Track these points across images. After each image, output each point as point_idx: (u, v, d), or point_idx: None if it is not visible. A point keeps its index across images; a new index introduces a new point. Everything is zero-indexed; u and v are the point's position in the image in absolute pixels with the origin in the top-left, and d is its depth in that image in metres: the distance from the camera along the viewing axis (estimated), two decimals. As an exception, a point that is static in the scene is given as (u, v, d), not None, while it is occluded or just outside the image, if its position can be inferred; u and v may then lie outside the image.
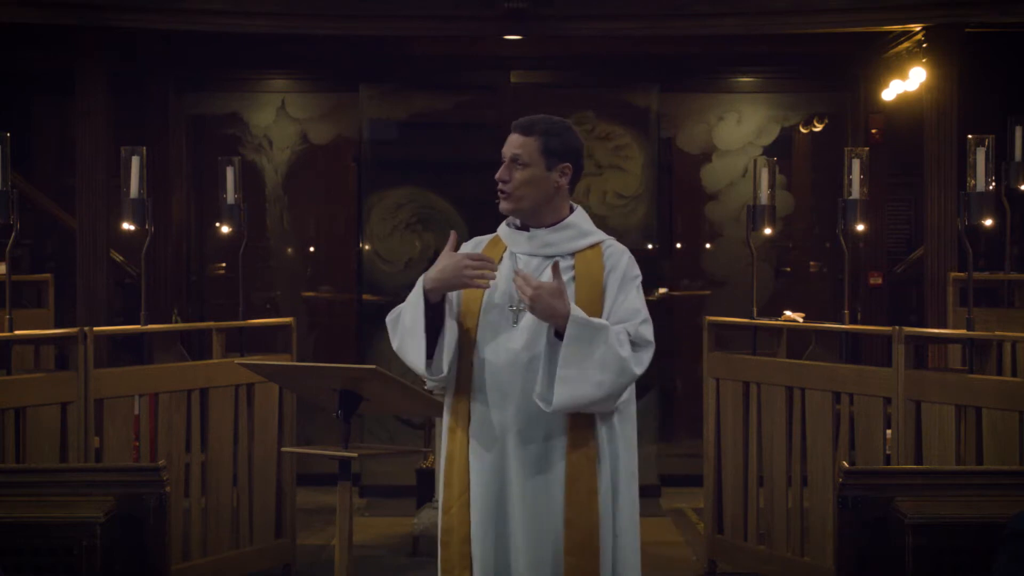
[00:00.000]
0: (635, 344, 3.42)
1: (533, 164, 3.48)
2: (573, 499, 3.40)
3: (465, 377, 3.48)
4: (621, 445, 3.52)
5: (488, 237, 3.64)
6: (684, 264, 9.51)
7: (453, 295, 3.51)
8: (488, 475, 3.43)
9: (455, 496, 3.46)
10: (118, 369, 5.99)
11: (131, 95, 8.71)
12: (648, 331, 3.46)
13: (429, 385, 3.54)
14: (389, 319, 3.56)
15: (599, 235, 3.57)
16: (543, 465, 3.40)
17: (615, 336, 3.37)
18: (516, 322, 3.45)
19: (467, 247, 3.61)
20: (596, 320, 3.38)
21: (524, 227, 3.56)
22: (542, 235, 3.52)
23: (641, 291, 3.53)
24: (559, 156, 3.51)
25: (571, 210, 3.58)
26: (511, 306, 3.46)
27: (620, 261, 3.53)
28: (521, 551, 3.40)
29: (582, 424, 3.43)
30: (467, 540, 3.43)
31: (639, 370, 3.42)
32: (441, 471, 3.57)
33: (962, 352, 5.98)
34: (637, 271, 3.55)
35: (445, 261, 3.43)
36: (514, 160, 3.49)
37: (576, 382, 3.32)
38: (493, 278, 3.42)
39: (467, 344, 3.48)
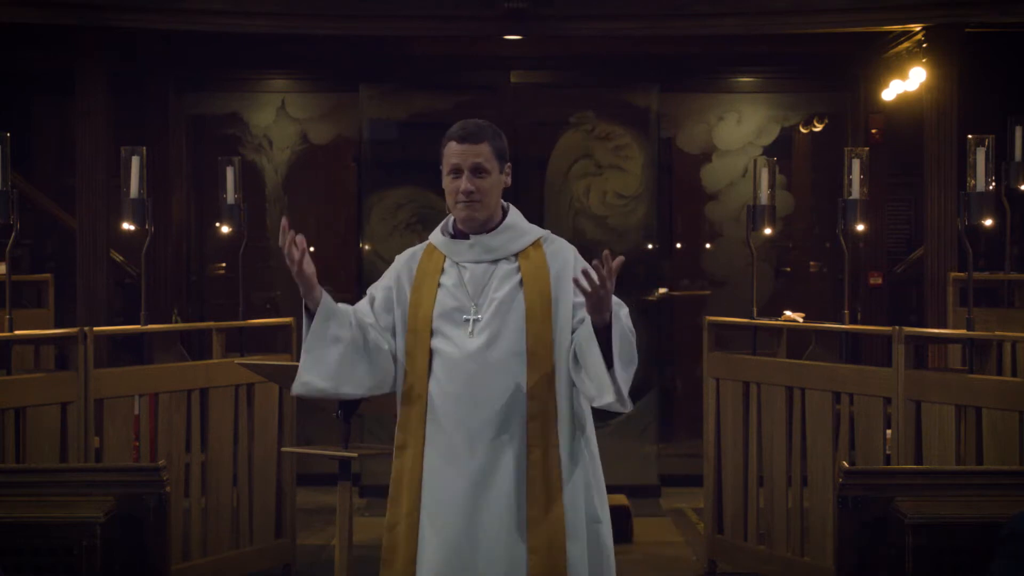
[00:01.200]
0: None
1: (492, 170, 3.49)
2: (535, 497, 3.38)
3: (419, 392, 3.44)
4: (589, 431, 3.51)
5: (421, 248, 3.60)
6: (684, 264, 9.51)
7: (396, 310, 3.49)
8: (450, 487, 3.39)
9: (403, 514, 3.44)
10: (118, 369, 5.99)
11: (131, 95, 8.71)
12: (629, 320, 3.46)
13: (296, 391, 3.48)
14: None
15: (536, 231, 3.56)
16: (507, 468, 3.38)
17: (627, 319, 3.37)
18: (472, 333, 3.43)
19: (401, 259, 3.59)
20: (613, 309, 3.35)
21: (461, 234, 3.53)
22: (484, 241, 3.50)
23: None
24: (503, 157, 3.54)
25: (504, 209, 3.58)
26: (465, 317, 3.44)
27: (567, 260, 3.50)
28: (486, 559, 3.37)
29: (544, 424, 3.41)
30: (412, 561, 3.40)
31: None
32: (394, 488, 3.52)
33: (962, 352, 5.98)
34: (585, 264, 3.51)
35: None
36: (476, 169, 3.47)
37: (628, 373, 3.32)
38: (295, 242, 3.35)
39: (420, 360, 3.44)
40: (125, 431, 5.69)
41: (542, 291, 3.45)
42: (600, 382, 3.32)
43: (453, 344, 3.43)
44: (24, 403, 5.27)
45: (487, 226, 3.52)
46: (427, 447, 3.43)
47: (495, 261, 3.49)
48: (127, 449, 5.69)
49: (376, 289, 3.58)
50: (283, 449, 6.01)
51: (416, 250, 3.61)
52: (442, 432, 3.42)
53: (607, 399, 3.33)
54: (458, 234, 3.55)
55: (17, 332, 5.52)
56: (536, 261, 3.49)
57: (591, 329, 3.31)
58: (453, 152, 3.51)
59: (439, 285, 3.49)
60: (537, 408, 3.40)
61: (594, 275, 3.22)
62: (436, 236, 3.59)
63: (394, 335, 3.50)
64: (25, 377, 5.59)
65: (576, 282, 3.26)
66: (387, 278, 3.59)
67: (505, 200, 3.60)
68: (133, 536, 4.44)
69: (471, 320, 3.44)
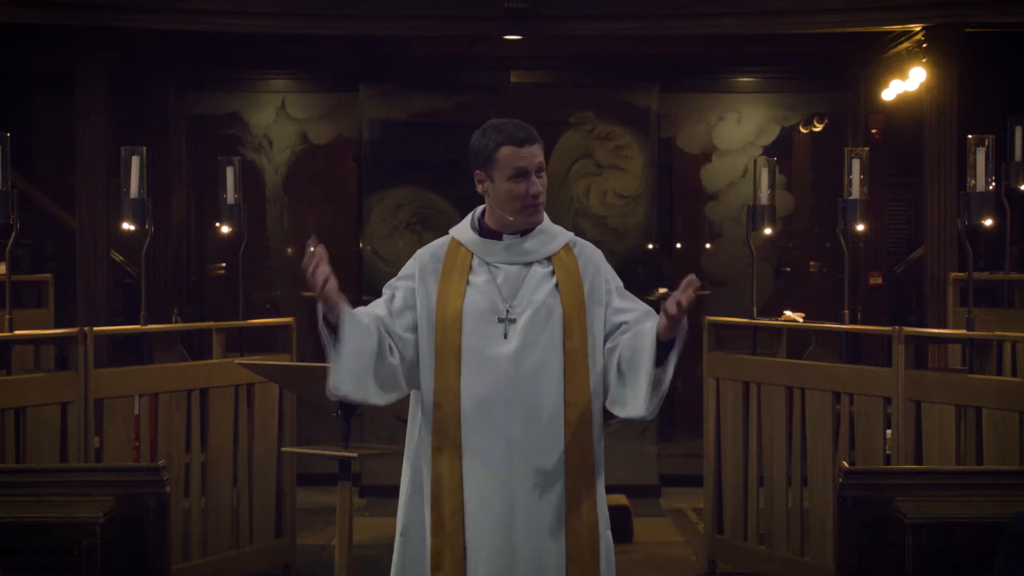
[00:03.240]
0: None
1: (545, 171, 3.45)
2: (574, 506, 3.37)
3: (452, 395, 3.38)
4: (603, 443, 3.52)
5: (443, 243, 3.51)
6: (684, 264, 9.50)
7: (423, 311, 3.41)
8: (489, 490, 3.36)
9: (447, 516, 3.38)
10: (118, 369, 5.99)
11: (131, 95, 8.72)
12: None
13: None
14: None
15: (564, 234, 3.52)
16: (545, 474, 3.36)
17: None
18: (506, 335, 3.38)
19: (425, 253, 3.50)
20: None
21: (492, 234, 3.47)
22: (519, 243, 3.44)
23: None
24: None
25: None
26: (499, 318, 3.39)
27: (595, 260, 3.49)
28: (526, 563, 3.36)
29: (580, 430, 3.39)
30: (460, 562, 3.36)
31: None
32: (409, 490, 3.50)
33: (962, 352, 5.98)
34: (615, 273, 3.53)
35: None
36: (540, 170, 3.42)
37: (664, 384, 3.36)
38: (320, 262, 3.21)
39: (451, 359, 3.39)
40: (125, 431, 5.69)
41: (577, 298, 3.41)
42: (643, 391, 3.32)
43: (485, 345, 3.37)
44: (24, 403, 5.27)
45: (522, 227, 3.46)
46: (464, 449, 3.38)
47: (528, 264, 3.45)
48: (127, 449, 5.69)
49: (396, 288, 3.47)
50: (283, 449, 6.01)
51: (439, 245, 3.51)
52: (477, 434, 3.37)
53: (638, 410, 3.34)
54: (487, 232, 3.47)
55: (17, 332, 5.52)
56: (570, 267, 3.45)
57: (652, 339, 3.29)
58: (514, 155, 3.39)
59: (468, 283, 3.42)
60: (574, 415, 3.38)
61: (683, 302, 3.22)
62: (463, 233, 3.49)
63: (414, 333, 3.42)
64: (25, 377, 5.59)
65: (666, 311, 3.23)
66: (408, 273, 3.48)
67: None
68: (133, 536, 4.44)
69: (505, 321, 3.39)
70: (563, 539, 3.37)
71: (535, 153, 3.41)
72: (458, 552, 3.37)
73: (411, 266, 3.50)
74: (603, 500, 3.49)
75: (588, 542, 3.39)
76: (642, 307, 3.45)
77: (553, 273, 3.43)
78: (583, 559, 3.38)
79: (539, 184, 3.41)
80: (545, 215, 3.52)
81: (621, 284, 3.51)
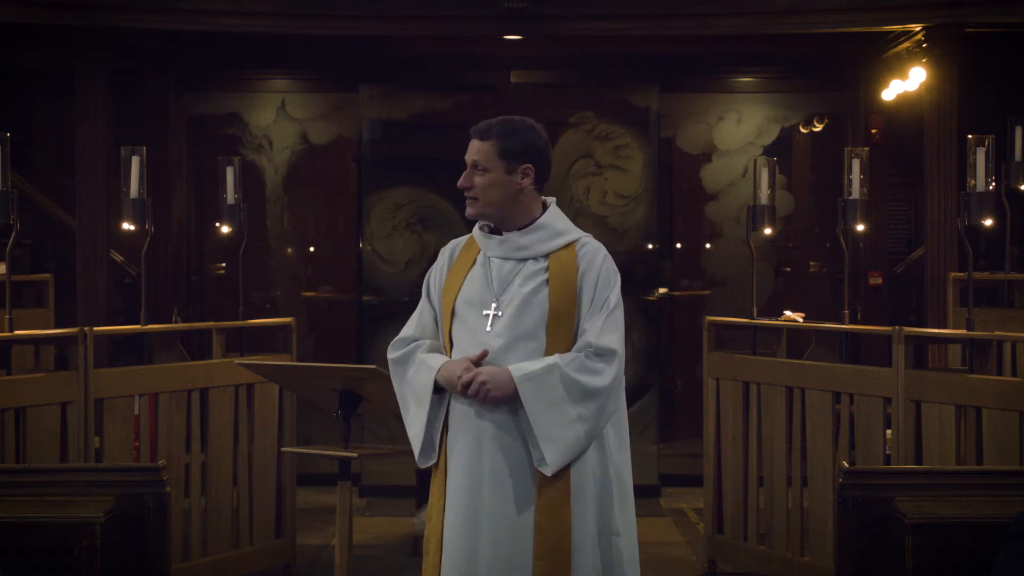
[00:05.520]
0: (599, 356, 3.39)
1: (492, 168, 3.47)
2: (544, 503, 3.38)
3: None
4: (612, 444, 3.49)
5: (464, 239, 3.63)
6: (684, 264, 9.51)
7: (436, 301, 3.56)
8: (464, 480, 3.41)
9: (435, 503, 3.46)
10: (118, 369, 5.99)
11: (131, 95, 8.72)
12: (612, 340, 3.41)
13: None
14: (394, 365, 3.59)
15: (574, 233, 3.53)
16: (515, 470, 3.39)
17: (567, 367, 3.36)
18: (490, 327, 3.43)
19: (446, 251, 3.62)
20: (539, 365, 3.36)
21: (496, 231, 3.54)
22: (514, 238, 3.49)
23: (617, 292, 3.48)
24: (518, 158, 3.48)
25: (544, 208, 3.55)
26: (485, 312, 3.45)
27: (595, 261, 3.48)
28: (490, 556, 3.37)
29: None
30: (440, 551, 3.42)
31: (604, 382, 3.38)
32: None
33: (962, 352, 5.98)
34: (612, 270, 3.49)
35: (456, 370, 3.41)
36: (474, 166, 3.48)
37: (560, 433, 3.34)
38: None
39: (446, 348, 3.51)
40: (125, 431, 5.69)
41: (568, 296, 3.43)
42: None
43: (471, 336, 3.44)
44: (24, 403, 5.27)
45: (518, 224, 3.51)
46: (449, 437, 3.45)
47: (523, 259, 3.49)
48: (127, 449, 5.69)
49: (429, 303, 3.62)
50: (283, 449, 6.01)
51: (459, 241, 3.64)
52: (458, 423, 3.44)
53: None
54: (494, 229, 3.55)
55: (17, 332, 5.52)
56: (567, 263, 3.46)
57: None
58: (468, 146, 3.54)
59: (467, 276, 3.51)
60: None
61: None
62: (476, 230, 3.60)
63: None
64: (25, 377, 5.59)
65: None
66: (433, 271, 3.64)
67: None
68: (133, 536, 4.44)
69: (491, 315, 3.44)
70: (530, 535, 3.38)
71: (474, 148, 3.52)
72: (439, 539, 3.43)
73: (437, 264, 3.63)
74: (590, 504, 3.46)
75: (559, 545, 3.38)
76: (583, 340, 3.42)
77: (546, 270, 3.45)
78: (552, 557, 3.38)
79: (464, 178, 3.51)
80: (554, 214, 3.55)
81: (611, 296, 3.46)
